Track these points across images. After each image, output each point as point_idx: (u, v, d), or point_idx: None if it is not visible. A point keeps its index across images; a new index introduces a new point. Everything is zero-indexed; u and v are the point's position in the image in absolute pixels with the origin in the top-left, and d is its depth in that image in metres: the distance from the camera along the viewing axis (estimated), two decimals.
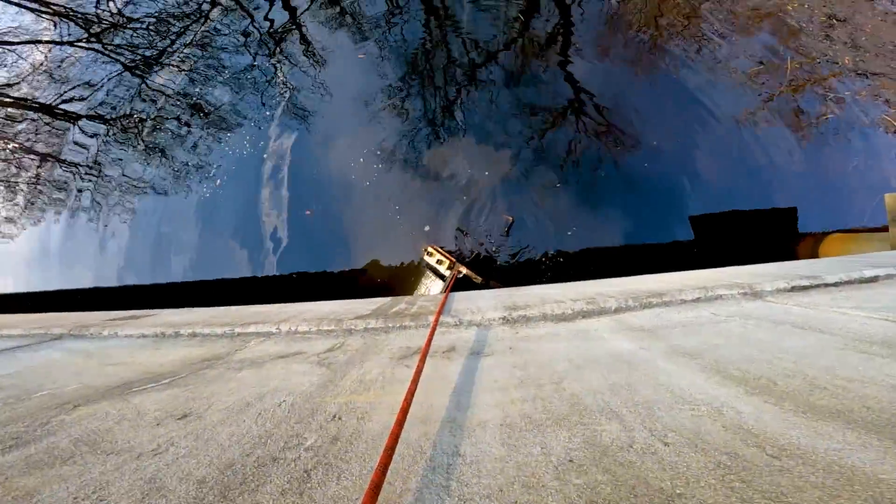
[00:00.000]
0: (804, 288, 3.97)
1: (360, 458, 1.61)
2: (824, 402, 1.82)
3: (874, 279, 4.10)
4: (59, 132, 9.46)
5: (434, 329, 2.98)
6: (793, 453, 1.49)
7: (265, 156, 7.87)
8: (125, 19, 9.59)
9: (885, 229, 6.39)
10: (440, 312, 3.65)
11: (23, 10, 10.22)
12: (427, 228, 7.08)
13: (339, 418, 1.94)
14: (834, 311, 3.22)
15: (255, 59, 8.61)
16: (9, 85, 9.88)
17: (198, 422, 1.96)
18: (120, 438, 1.84)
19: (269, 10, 8.93)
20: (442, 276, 6.76)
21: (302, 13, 8.67)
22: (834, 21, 7.80)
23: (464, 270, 6.64)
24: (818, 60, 7.53)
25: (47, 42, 9.88)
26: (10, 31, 10.15)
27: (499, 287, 6.75)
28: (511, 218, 6.91)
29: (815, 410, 1.77)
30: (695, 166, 7.15)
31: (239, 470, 1.53)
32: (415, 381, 1.98)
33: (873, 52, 7.51)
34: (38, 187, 9.36)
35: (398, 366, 2.74)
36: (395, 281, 7.14)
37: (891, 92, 7.28)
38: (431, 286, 6.89)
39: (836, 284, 4.02)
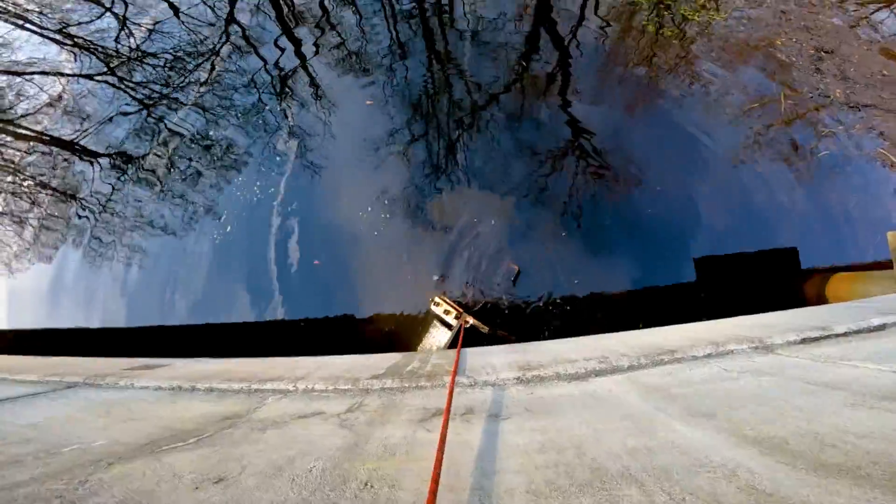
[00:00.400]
0: (814, 339, 3.99)
1: None
2: (834, 460, 1.89)
3: (882, 328, 4.12)
4: (71, 167, 9.71)
5: (451, 392, 3.07)
6: None
7: (273, 203, 8.13)
8: (142, 54, 10.16)
9: (890, 265, 6.46)
10: (455, 373, 3.74)
11: (47, 41, 10.84)
12: (436, 278, 7.23)
13: (371, 486, 2.01)
14: (845, 364, 3.28)
15: (264, 103, 9.06)
16: (26, 116, 10.30)
17: (235, 487, 2.03)
18: (164, 502, 1.90)
19: (279, 53, 9.52)
20: (449, 326, 6.84)
21: (310, 55, 9.24)
22: (822, 53, 7.94)
23: (471, 321, 6.73)
24: (810, 94, 7.65)
25: (68, 75, 10.41)
26: (33, 63, 10.73)
27: (506, 336, 6.81)
28: (517, 267, 7.08)
29: (825, 468, 1.83)
30: (696, 208, 7.27)
31: None
32: (441, 449, 2.07)
33: (862, 83, 7.64)
34: (45, 222, 9.54)
35: (419, 429, 2.81)
36: (401, 329, 7.21)
37: (884, 124, 7.38)
38: (438, 335, 6.95)
39: (845, 335, 4.04)
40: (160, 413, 3.56)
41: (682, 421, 2.60)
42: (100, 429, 3.13)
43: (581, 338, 5.41)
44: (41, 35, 10.88)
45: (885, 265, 6.62)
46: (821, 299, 6.69)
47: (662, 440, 2.35)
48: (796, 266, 6.99)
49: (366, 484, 2.04)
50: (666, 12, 8.79)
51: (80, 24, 10.72)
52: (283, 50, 9.45)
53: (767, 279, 6.97)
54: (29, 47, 10.89)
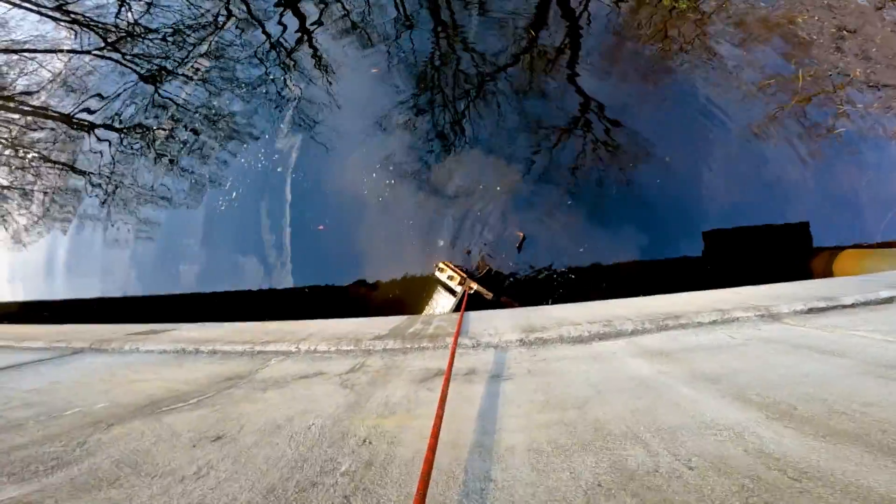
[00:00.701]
0: (821, 310, 3.97)
1: (396, 484, 1.66)
2: (843, 427, 1.87)
3: (890, 300, 4.10)
4: (75, 141, 9.69)
5: (454, 352, 3.03)
6: (813, 476, 1.55)
7: (278, 169, 8.02)
8: (143, 29, 9.88)
9: None
10: (458, 335, 3.70)
11: (45, 18, 10.56)
12: (441, 244, 7.16)
13: (370, 443, 1.99)
14: (852, 333, 3.24)
15: (267, 71, 8.81)
16: (28, 93, 10.17)
17: (233, 444, 2.02)
18: (160, 460, 1.89)
19: (282, 25, 9.17)
20: (453, 292, 6.80)
21: (314, 26, 8.89)
22: (844, 32, 7.72)
23: (475, 287, 6.69)
24: (829, 73, 7.47)
25: (67, 51, 10.17)
26: (31, 40, 10.49)
27: (511, 303, 6.78)
28: (523, 234, 6.97)
29: (834, 434, 1.82)
30: (706, 181, 7.14)
31: (281, 495, 1.59)
32: (441, 406, 2.03)
33: (884, 63, 7.47)
34: (52, 196, 9.55)
35: (420, 388, 2.78)
36: (406, 295, 7.19)
37: None
38: (443, 301, 6.94)
39: (852, 306, 4.03)
40: (163, 375, 3.57)
41: (686, 384, 2.56)
42: (102, 392, 3.14)
43: (585, 303, 5.35)
44: (38, 13, 10.51)
45: (892, 245, 6.55)
46: (828, 275, 6.60)
47: (667, 402, 2.31)
48: (806, 242, 6.88)
49: (365, 440, 2.01)
50: None
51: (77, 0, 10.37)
52: (285, 22, 9.05)
53: (776, 254, 6.88)
54: (28, 25, 10.57)
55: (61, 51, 10.21)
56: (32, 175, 9.84)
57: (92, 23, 10.23)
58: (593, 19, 8.17)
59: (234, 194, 8.12)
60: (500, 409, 2.38)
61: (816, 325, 3.58)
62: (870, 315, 3.73)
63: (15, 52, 10.39)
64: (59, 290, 9.03)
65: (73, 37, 10.29)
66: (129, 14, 10.05)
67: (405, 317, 5.32)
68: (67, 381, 3.56)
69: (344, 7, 8.98)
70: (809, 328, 3.52)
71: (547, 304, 6.71)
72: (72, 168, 9.55)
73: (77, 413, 2.68)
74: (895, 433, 1.77)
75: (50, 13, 10.55)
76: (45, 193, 9.63)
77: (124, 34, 9.92)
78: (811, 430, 1.86)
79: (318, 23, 8.97)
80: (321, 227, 7.57)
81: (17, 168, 9.97)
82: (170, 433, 2.18)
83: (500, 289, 6.91)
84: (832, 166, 7.14)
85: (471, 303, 6.19)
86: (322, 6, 9.12)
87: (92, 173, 9.34)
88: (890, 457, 1.61)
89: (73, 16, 10.42)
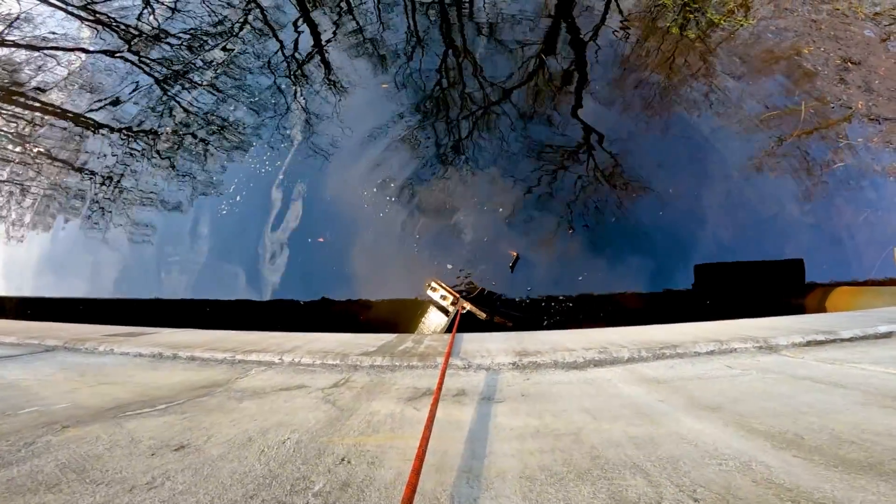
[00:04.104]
0: (820, 343, 3.92)
1: None
2: (854, 456, 1.79)
3: (888, 335, 4.07)
4: (79, 140, 9.64)
5: (444, 371, 2.87)
6: None
7: (279, 178, 7.97)
8: (163, 33, 10.00)
9: (893, 283, 6.33)
10: (449, 354, 3.54)
11: (69, 16, 10.68)
12: (436, 263, 7.06)
13: (349, 462, 1.81)
14: (852, 366, 3.17)
15: (277, 82, 8.90)
16: (41, 90, 10.17)
17: (196, 455, 1.83)
18: (111, 467, 1.71)
19: (296, 35, 9.33)
20: (446, 311, 6.65)
21: (326, 40, 9.04)
22: (849, 64, 7.68)
23: (468, 306, 6.54)
24: (832, 105, 7.42)
25: (86, 51, 10.25)
26: (54, 37, 10.58)
27: (504, 323, 6.63)
28: (516, 253, 6.89)
29: (845, 464, 1.73)
30: (706, 214, 7.13)
31: None
32: (428, 427, 1.87)
33: (886, 95, 7.45)
34: (50, 193, 9.42)
35: (407, 407, 2.61)
36: (398, 314, 7.03)
37: None
38: (435, 320, 6.78)
39: (851, 340, 3.98)
40: (136, 379, 3.36)
41: (686, 412, 2.44)
42: (66, 392, 2.93)
43: (580, 329, 5.22)
44: (65, 10, 10.68)
45: (888, 283, 6.53)
46: (822, 311, 6.59)
47: (667, 430, 2.18)
48: (801, 278, 6.86)
49: (343, 459, 1.84)
50: (691, 15, 8.47)
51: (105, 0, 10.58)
52: (298, 35, 9.22)
53: (771, 289, 6.84)
54: (52, 22, 10.71)
55: (81, 49, 10.29)
56: (33, 171, 9.75)
57: (115, 23, 10.36)
58: (600, 47, 8.29)
59: (233, 202, 8.03)
60: (491, 432, 2.22)
61: (815, 357, 3.51)
62: (869, 349, 3.68)
63: (36, 48, 10.48)
64: (45, 288, 8.79)
65: (94, 36, 10.41)
66: (152, 17, 10.20)
67: (395, 335, 5.14)
68: (32, 379, 3.34)
69: (357, 23, 9.16)
70: (808, 360, 3.44)
71: (542, 327, 6.59)
72: (71, 166, 9.48)
73: (34, 412, 2.47)
74: None
75: (76, 11, 10.69)
76: (43, 190, 9.51)
77: (144, 36, 10.02)
78: (821, 460, 1.77)
79: (330, 37, 9.12)
80: (321, 240, 7.45)
81: (17, 163, 9.88)
82: (128, 439, 1.99)
83: (493, 309, 6.77)
84: (830, 203, 7.10)
85: (464, 323, 6.03)
86: (336, 21, 9.30)
87: (92, 173, 9.26)
88: None
89: (97, 15, 10.56)
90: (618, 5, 8.64)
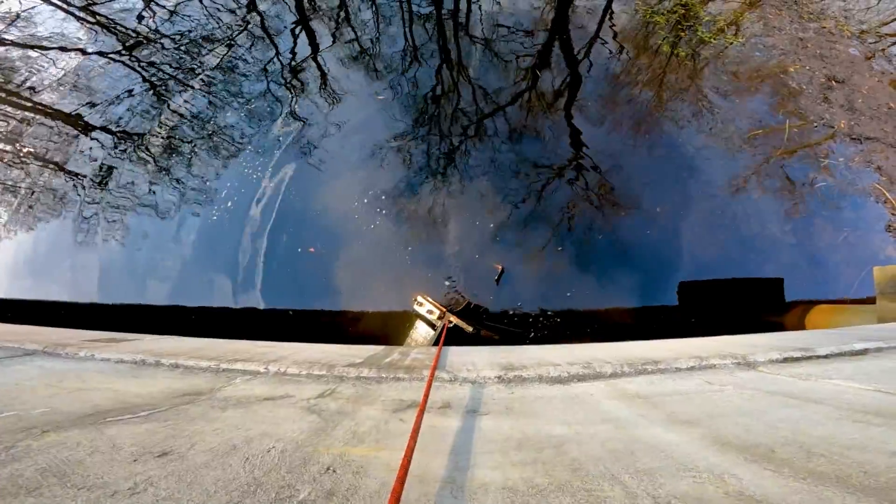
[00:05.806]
0: (796, 359, 4.00)
1: None
2: (823, 469, 1.86)
3: (864, 352, 4.16)
4: (69, 141, 9.51)
5: (430, 384, 2.90)
6: None
7: (269, 187, 7.93)
8: (160, 35, 9.98)
9: (871, 301, 6.46)
10: (435, 367, 3.56)
11: (69, 17, 10.62)
12: (423, 276, 7.08)
13: (334, 471, 1.83)
14: (826, 382, 3.27)
15: (271, 89, 8.92)
16: (33, 89, 10.04)
17: (179, 462, 1.83)
18: (92, 472, 1.69)
19: (293, 44, 9.41)
20: (432, 325, 6.67)
21: (322, 48, 9.12)
22: (833, 83, 7.77)
23: (454, 320, 6.57)
24: (815, 124, 7.51)
25: (82, 51, 10.18)
26: (51, 37, 10.49)
27: (490, 336, 6.66)
28: (501, 266, 6.95)
29: (814, 476, 1.80)
30: (690, 232, 7.21)
31: None
32: (413, 438, 1.90)
33: (868, 114, 7.54)
34: (36, 194, 9.24)
35: (392, 418, 2.63)
36: (384, 327, 7.02)
37: (882, 157, 7.28)
38: (422, 334, 6.79)
39: (826, 356, 4.07)
40: (116, 386, 3.31)
41: (664, 427, 2.51)
42: (45, 397, 2.88)
43: (565, 345, 5.28)
44: (64, 10, 10.65)
45: (865, 302, 6.66)
46: (801, 329, 6.71)
47: (645, 444, 2.25)
48: (780, 297, 7.00)
49: (328, 468, 1.85)
50: (683, 33, 8.69)
51: (105, 1, 10.57)
52: (295, 43, 9.32)
53: (752, 307, 6.98)
54: (52, 22, 10.65)
55: (78, 50, 10.22)
56: (19, 171, 9.56)
57: (113, 25, 10.34)
58: (592, 64, 8.45)
59: (222, 208, 7.96)
60: (475, 444, 2.25)
61: (791, 373, 3.61)
62: (843, 365, 3.78)
63: (33, 47, 10.39)
64: (27, 291, 8.57)
65: (92, 37, 10.36)
66: (152, 20, 10.21)
67: (382, 347, 5.14)
68: (9, 384, 3.27)
69: (354, 32, 9.28)
70: (784, 376, 3.54)
71: (530, 341, 6.63)
72: (59, 167, 9.33)
73: (12, 416, 2.43)
74: (876, 475, 1.76)
75: (76, 12, 10.65)
76: (29, 190, 9.33)
77: (142, 39, 10.00)
78: (790, 472, 1.84)
79: (327, 46, 9.20)
80: (312, 250, 7.43)
81: (4, 163, 9.70)
82: (110, 445, 1.97)
83: (480, 323, 6.80)
84: (810, 222, 7.20)
85: (451, 336, 6.05)
86: (333, 30, 9.42)
87: (80, 175, 9.12)
88: (873, 497, 1.59)
89: (97, 17, 10.53)
90: (611, 22, 8.86)
